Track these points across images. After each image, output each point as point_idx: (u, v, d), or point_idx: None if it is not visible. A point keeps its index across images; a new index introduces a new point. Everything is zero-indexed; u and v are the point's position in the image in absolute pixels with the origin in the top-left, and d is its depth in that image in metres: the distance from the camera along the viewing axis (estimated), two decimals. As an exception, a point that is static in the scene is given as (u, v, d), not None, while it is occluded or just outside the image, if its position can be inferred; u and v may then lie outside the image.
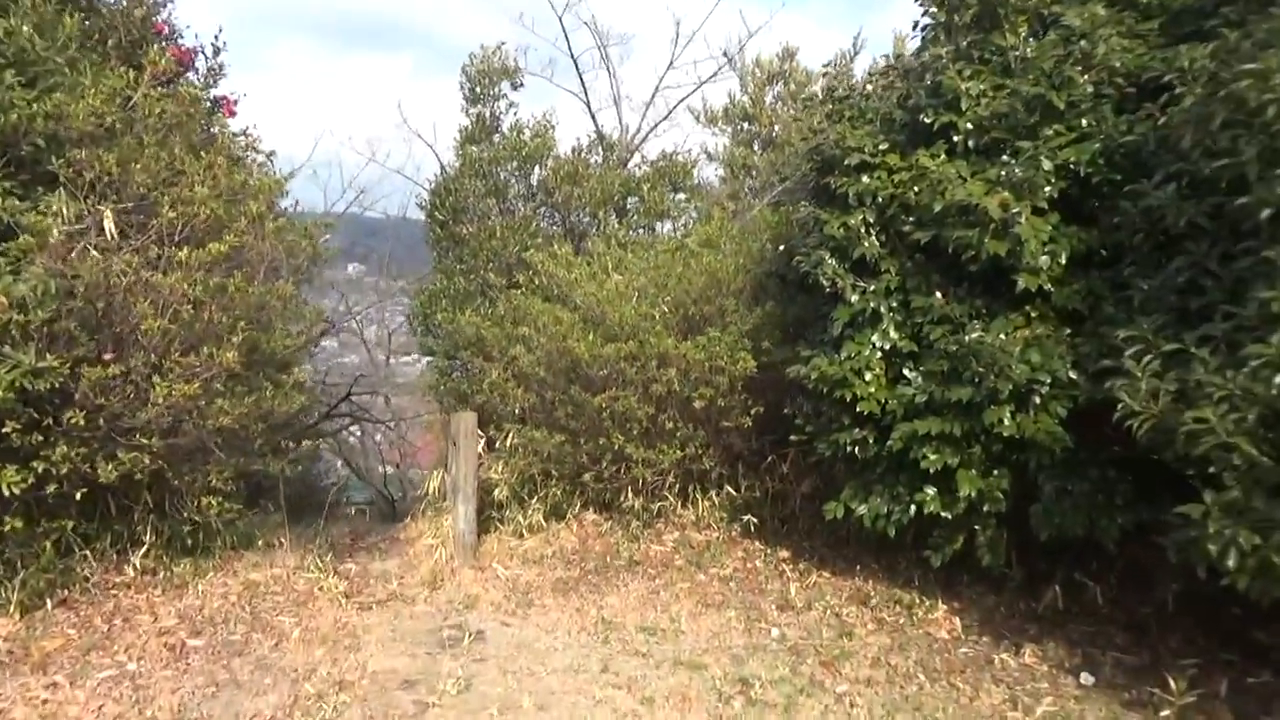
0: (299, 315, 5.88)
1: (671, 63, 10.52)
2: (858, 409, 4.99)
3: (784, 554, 6.53)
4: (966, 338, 4.52)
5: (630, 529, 6.83)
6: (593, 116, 10.33)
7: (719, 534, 6.93)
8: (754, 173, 13.05)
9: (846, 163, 5.19)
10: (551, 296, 7.26)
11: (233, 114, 7.30)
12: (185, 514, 5.34)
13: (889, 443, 4.90)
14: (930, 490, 4.91)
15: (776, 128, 13.33)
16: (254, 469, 5.44)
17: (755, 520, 6.77)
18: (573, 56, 10.01)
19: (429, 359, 9.79)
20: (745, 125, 13.80)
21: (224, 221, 5.28)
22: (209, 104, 7.25)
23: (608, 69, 10.49)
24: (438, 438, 11.73)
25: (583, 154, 9.63)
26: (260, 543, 6.46)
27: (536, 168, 9.49)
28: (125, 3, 6.66)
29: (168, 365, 4.57)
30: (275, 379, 5.38)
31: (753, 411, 6.25)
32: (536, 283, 7.57)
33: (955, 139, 5.00)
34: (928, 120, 5.05)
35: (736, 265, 6.63)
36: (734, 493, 7.03)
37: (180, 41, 7.29)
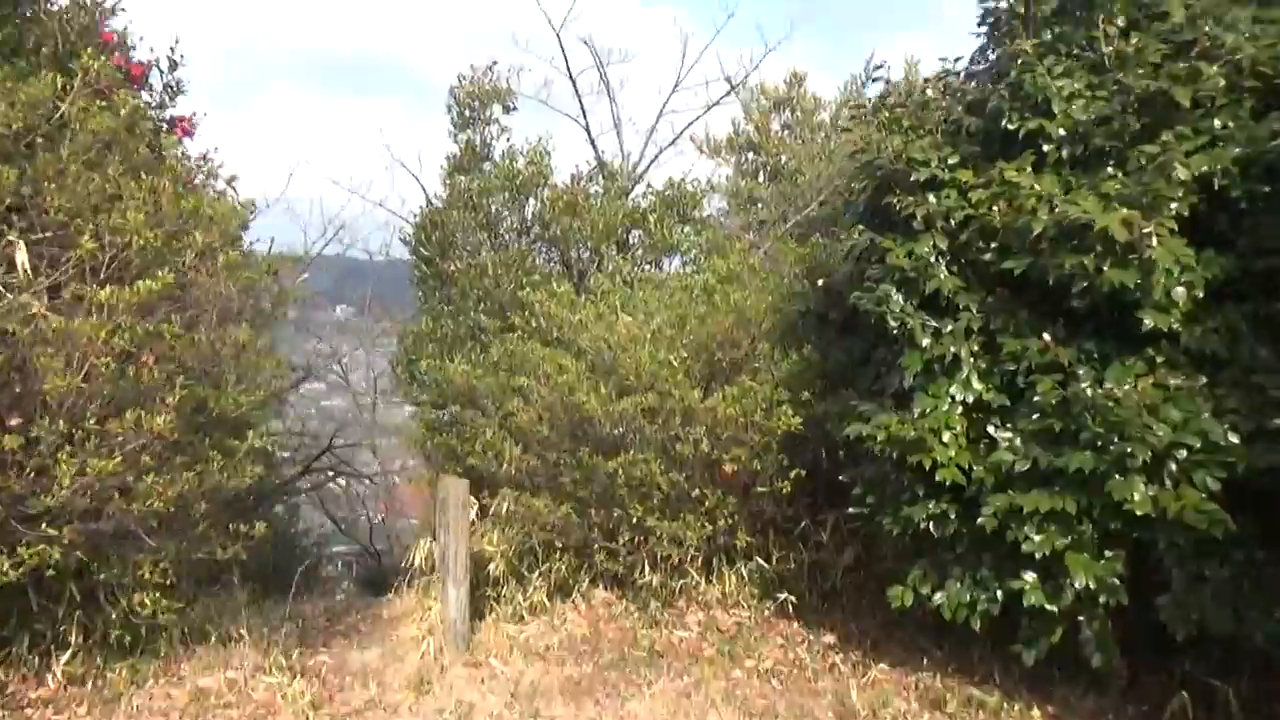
0: (257, 367, 4.94)
1: (678, 84, 9.75)
2: (936, 477, 4.08)
3: (829, 639, 5.58)
4: (1081, 389, 3.62)
5: (648, 610, 5.86)
6: (592, 142, 9.52)
7: (751, 615, 5.96)
8: (760, 204, 12.25)
9: (912, 179, 4.34)
10: (552, 340, 6.35)
11: (187, 134, 6.42)
12: (118, 610, 4.37)
13: (978, 519, 3.98)
14: (1030, 576, 3.99)
15: (784, 157, 12.57)
16: (198, 556, 4.45)
17: (792, 598, 5.82)
18: (570, 75, 9.21)
19: (415, 408, 8.87)
20: (750, 155, 13.04)
21: (163, 255, 4.37)
22: (163, 123, 6.37)
23: (607, 90, 9.69)
24: (425, 492, 10.71)
25: (582, 183, 8.79)
26: (215, 636, 5.47)
27: (531, 199, 8.64)
28: (64, 5, 5.80)
29: (80, 435, 3.62)
30: (225, 446, 4.43)
31: (791, 475, 5.32)
32: (534, 325, 6.66)
33: (1045, 148, 4.16)
34: (1011, 127, 4.22)
35: (768, 303, 5.74)
36: (765, 565, 6.07)
37: (131, 53, 6.43)
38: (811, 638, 5.59)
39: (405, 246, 8.84)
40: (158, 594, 4.26)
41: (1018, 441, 3.93)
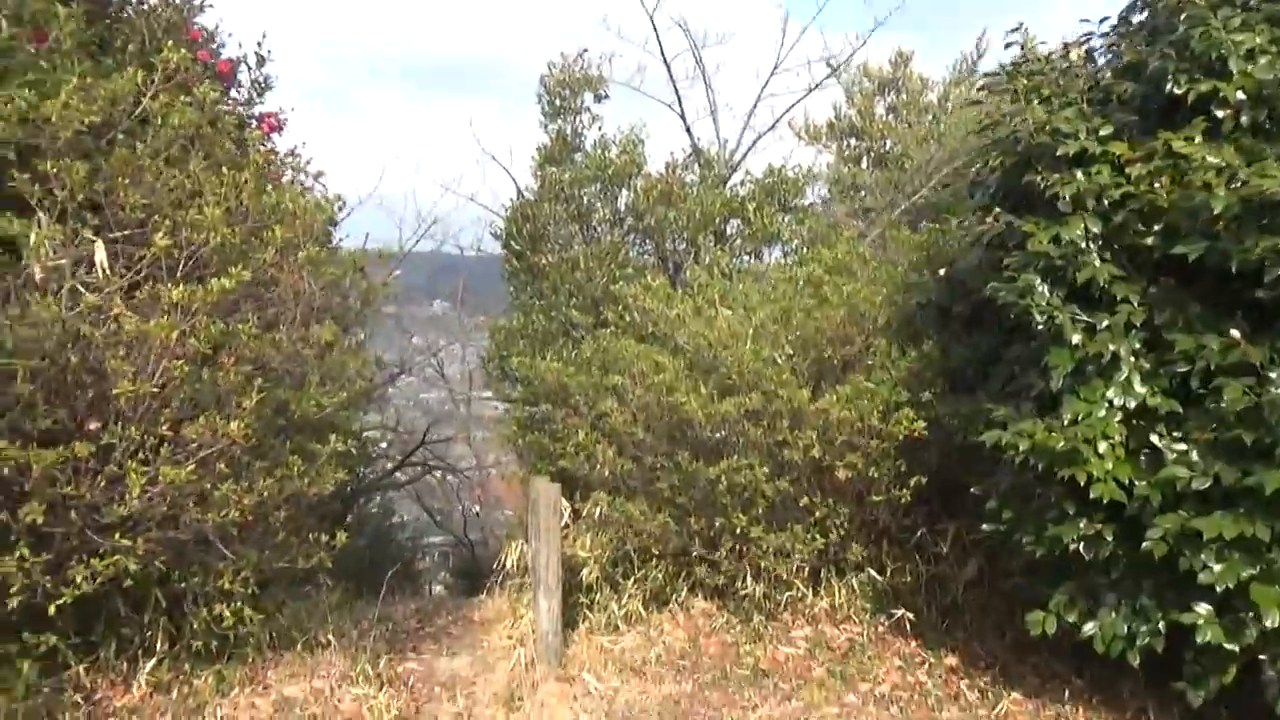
0: (342, 366, 4.72)
1: (777, 65, 9.25)
2: (1090, 493, 3.54)
3: (952, 661, 5.08)
4: (1276, 395, 3.05)
5: (751, 623, 5.46)
6: (688, 129, 9.12)
7: (863, 631, 5.48)
8: (863, 192, 11.63)
9: (1058, 154, 3.79)
10: (646, 336, 5.99)
11: (275, 130, 6.28)
12: (200, 618, 4.20)
13: (1142, 543, 3.44)
14: (1203, 609, 3.42)
15: (889, 141, 11.92)
16: (280, 565, 4.25)
17: (909, 614, 5.33)
18: (665, 59, 8.82)
19: (506, 405, 8.66)
20: (852, 141, 12.43)
21: (243, 252, 4.18)
22: (250, 119, 6.26)
23: (703, 75, 9.26)
24: (518, 489, 10.52)
25: (677, 171, 8.40)
26: (302, 642, 5.31)
27: (624, 189, 8.30)
28: (152, 3, 5.72)
29: (152, 441, 3.43)
30: (307, 450, 4.22)
31: (911, 483, 4.83)
32: (628, 320, 6.32)
33: (1220, 115, 3.57)
34: (1177, 91, 3.64)
35: (883, 295, 5.24)
36: (877, 576, 5.58)
37: (220, 50, 6.33)
38: (932, 659, 5.10)
39: (496, 241, 8.63)
40: (240, 603, 4.06)
41: (1193, 455, 3.37)
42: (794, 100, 10.08)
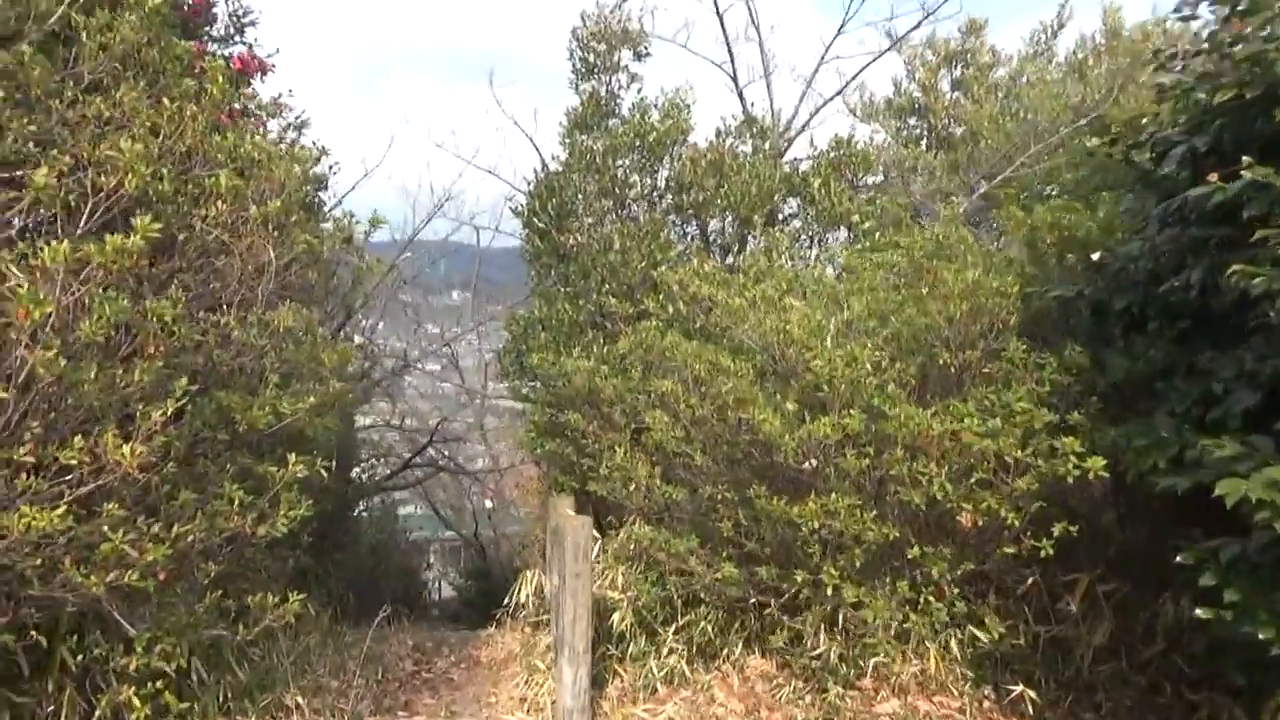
0: (316, 362, 3.61)
1: (844, 24, 8.03)
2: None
3: (1080, 758, 3.94)
4: None
5: (826, 695, 4.34)
6: (739, 93, 7.94)
7: (963, 704, 4.33)
8: (923, 176, 10.42)
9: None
10: (695, 331, 4.85)
11: (254, 71, 5.18)
12: (105, 703, 3.10)
13: None
14: None
15: (952, 121, 10.70)
16: (213, 633, 3.13)
17: (1024, 686, 4.19)
18: (717, 9, 7.61)
19: (523, 406, 7.53)
20: (912, 120, 11.20)
21: (178, 205, 3.06)
22: (223, 58, 5.15)
23: (756, 32, 8.05)
24: (533, 496, 9.40)
25: (728, 141, 7.23)
26: (264, 704, 4.23)
27: (666, 159, 7.13)
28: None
29: (6, 472, 2.32)
30: (260, 473, 3.11)
31: (1054, 532, 3.64)
32: (672, 311, 5.18)
33: None
34: None
35: (1016, 287, 4.05)
36: (981, 636, 4.42)
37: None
38: (1054, 752, 3.97)
39: (517, 219, 7.48)
40: (154, 684, 2.95)
41: None
42: (858, 68, 8.85)
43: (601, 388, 4.83)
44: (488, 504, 16.30)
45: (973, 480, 3.45)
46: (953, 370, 3.97)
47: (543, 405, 6.39)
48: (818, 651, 4.40)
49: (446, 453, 12.71)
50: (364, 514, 10.91)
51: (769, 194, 6.66)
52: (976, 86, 10.42)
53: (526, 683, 5.05)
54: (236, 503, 2.89)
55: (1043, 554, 3.66)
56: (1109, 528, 4.58)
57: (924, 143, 11.02)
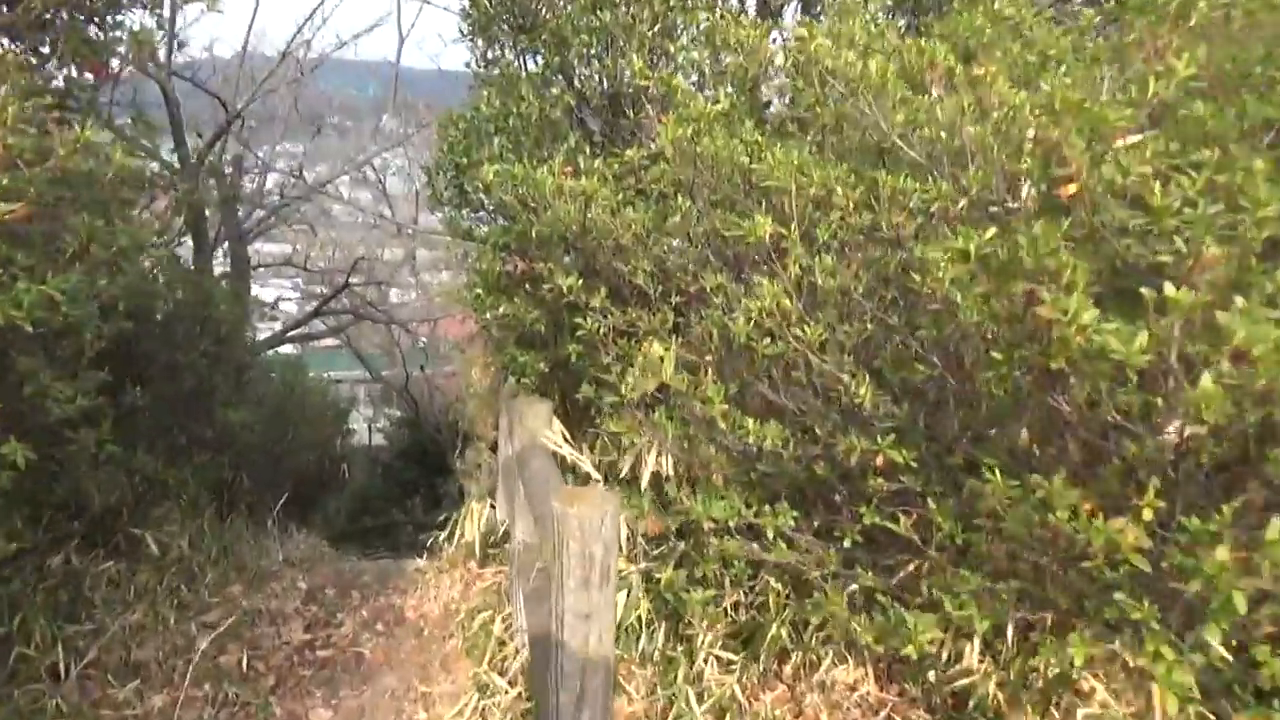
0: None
1: None
2: None
3: None
4: None
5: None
6: None
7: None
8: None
9: None
10: (802, 132, 2.74)
11: None
12: None
13: None
14: None
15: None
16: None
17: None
18: None
19: (467, 250, 5.33)
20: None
21: None
22: None
23: None
24: (479, 365, 7.28)
25: None
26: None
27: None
28: None
29: None
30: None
31: None
32: (734, 95, 3.04)
33: None
34: None
35: None
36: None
37: None
38: None
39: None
40: None
41: None
42: None
43: (610, 225, 2.74)
44: (421, 342, 14.13)
45: None
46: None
47: (495, 248, 4.26)
48: (948, 671, 2.67)
49: (369, 298, 10.47)
50: (271, 376, 8.86)
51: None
52: None
53: (478, 659, 3.31)
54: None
55: None
56: None
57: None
